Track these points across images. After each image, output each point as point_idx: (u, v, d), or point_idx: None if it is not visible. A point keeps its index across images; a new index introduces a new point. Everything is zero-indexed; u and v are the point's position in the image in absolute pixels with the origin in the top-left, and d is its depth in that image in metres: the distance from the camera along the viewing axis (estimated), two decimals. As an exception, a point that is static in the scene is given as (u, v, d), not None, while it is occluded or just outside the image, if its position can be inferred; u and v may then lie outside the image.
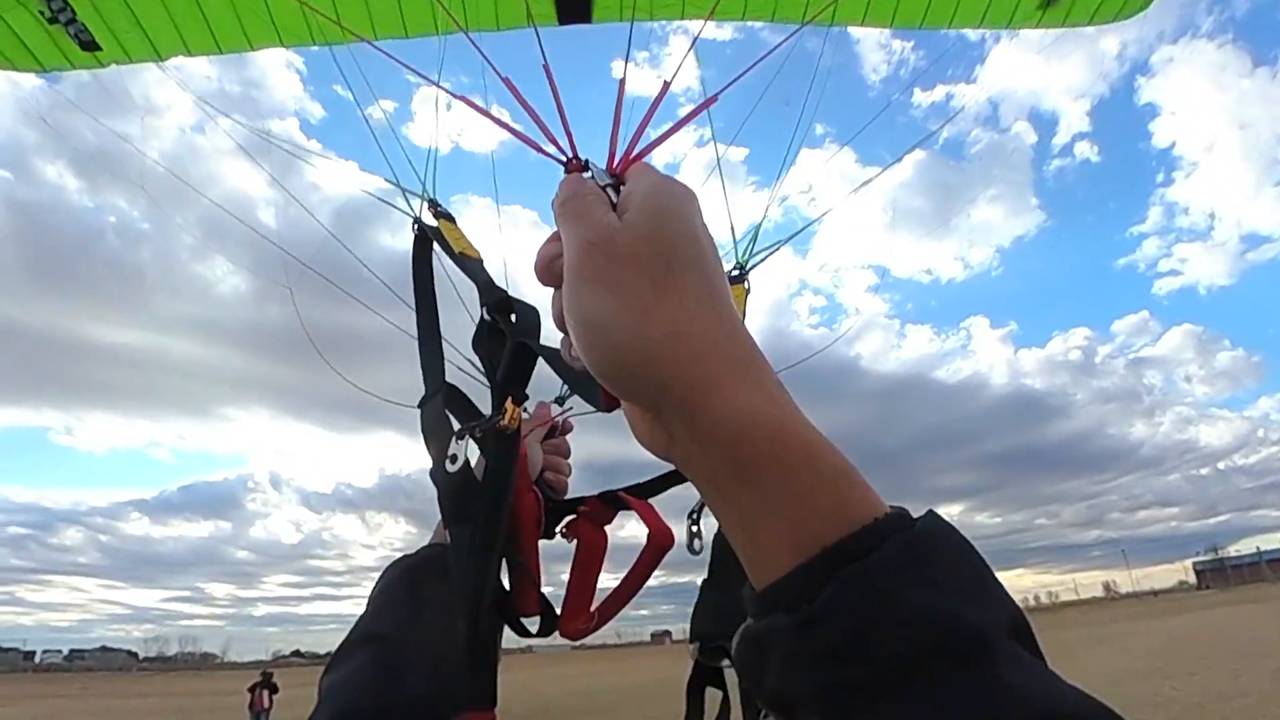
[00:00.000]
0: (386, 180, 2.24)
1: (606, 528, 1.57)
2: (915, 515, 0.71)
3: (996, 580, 0.71)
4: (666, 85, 1.21)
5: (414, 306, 1.91)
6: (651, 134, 1.08)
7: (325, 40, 2.91)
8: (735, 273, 2.22)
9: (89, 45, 2.72)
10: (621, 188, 0.90)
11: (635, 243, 0.79)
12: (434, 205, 2.18)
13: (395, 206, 2.17)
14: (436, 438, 1.55)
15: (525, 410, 1.38)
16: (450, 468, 1.44)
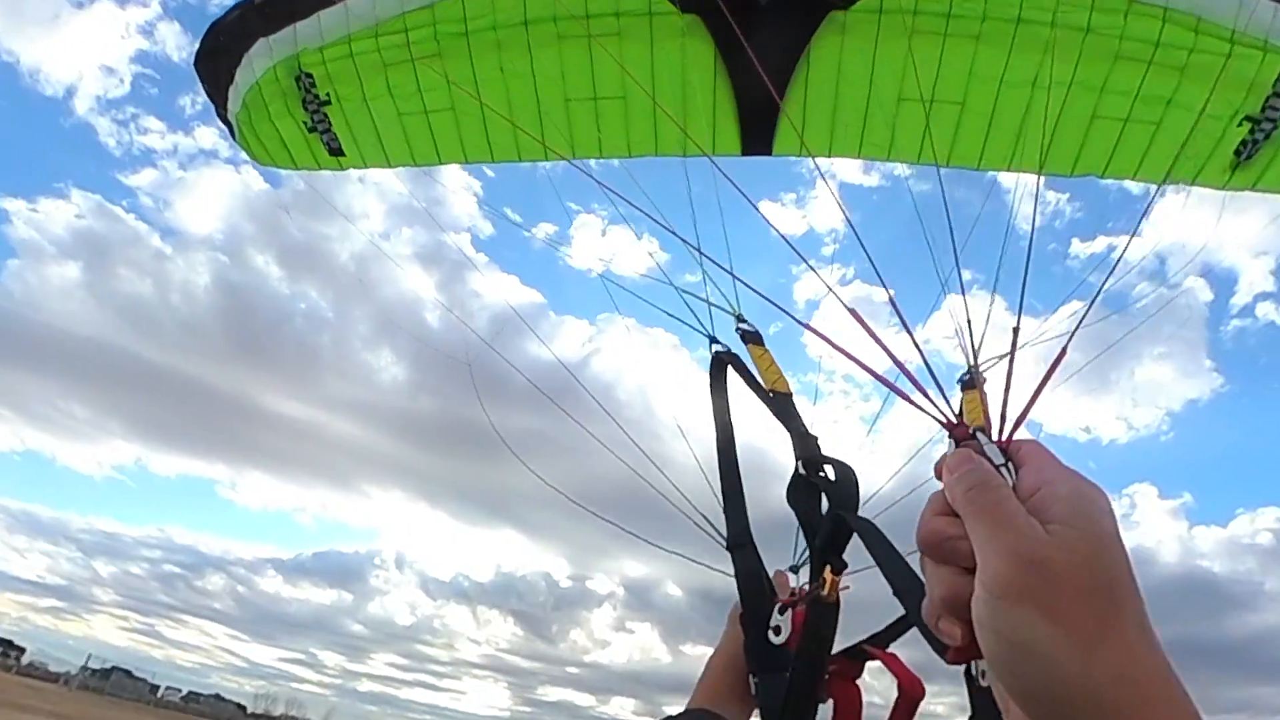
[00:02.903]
0: (682, 301, 2.25)
1: (857, 681, 1.54)
2: None
3: None
4: (1064, 351, 1.15)
5: (716, 441, 1.88)
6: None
7: (531, 157, 3.25)
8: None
9: (336, 152, 3.16)
10: (1011, 468, 0.89)
11: (1076, 568, 0.76)
12: (740, 321, 2.15)
13: (693, 326, 2.17)
14: (753, 583, 1.63)
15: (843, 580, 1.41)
16: (775, 639, 1.53)
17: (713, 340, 2.14)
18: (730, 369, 2.04)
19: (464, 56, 3.10)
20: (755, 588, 1.67)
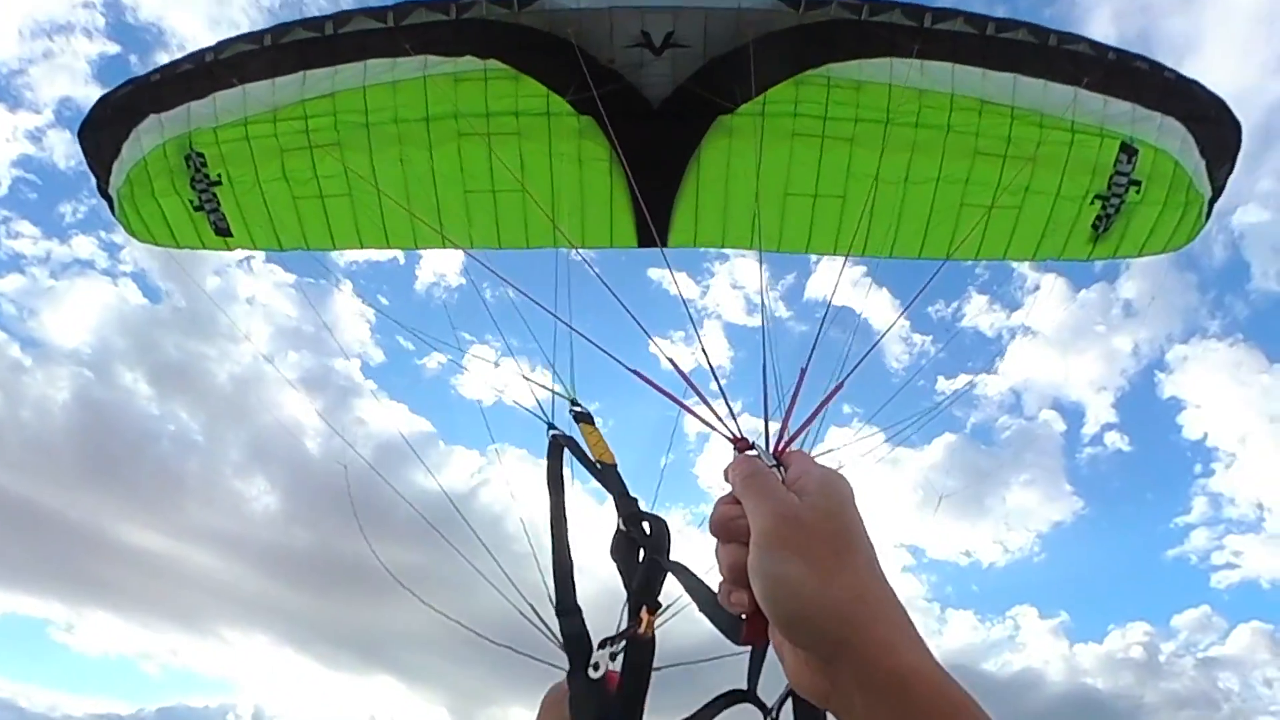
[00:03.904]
0: (523, 390, 2.51)
1: None
2: None
3: None
4: (803, 371, 1.58)
5: (549, 516, 2.06)
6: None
7: (427, 245, 3.24)
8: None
9: (223, 232, 3.09)
10: (782, 469, 1.13)
11: (819, 520, 0.98)
12: (574, 405, 2.39)
13: (531, 412, 2.42)
14: (580, 657, 1.79)
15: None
16: (593, 674, 1.69)
17: (550, 426, 2.32)
18: (566, 450, 2.23)
19: (364, 147, 3.16)
20: (579, 646, 1.82)
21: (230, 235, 3.10)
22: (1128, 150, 2.87)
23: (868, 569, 0.96)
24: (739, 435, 1.31)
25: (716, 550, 1.09)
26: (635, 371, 1.69)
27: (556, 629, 1.97)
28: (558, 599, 1.96)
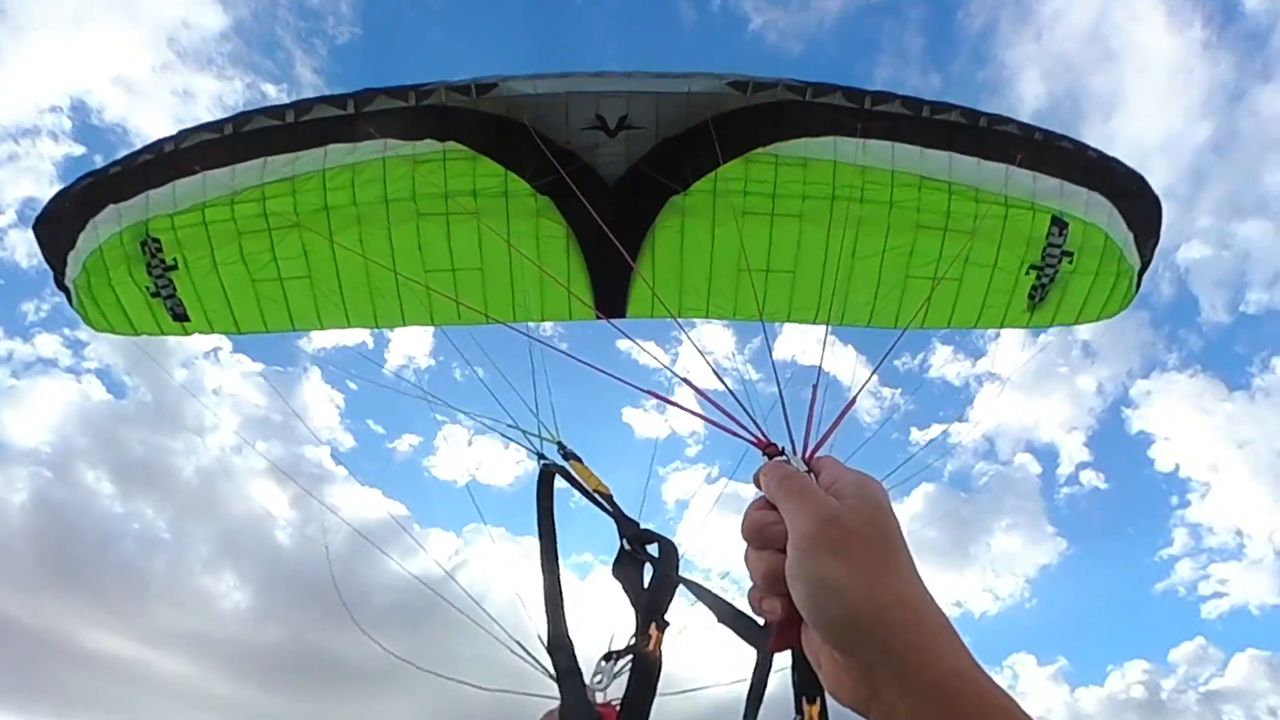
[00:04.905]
0: (510, 428, 2.60)
1: None
2: None
3: None
4: (815, 388, 1.48)
5: (539, 543, 2.07)
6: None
7: (388, 324, 3.27)
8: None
9: (180, 317, 3.09)
10: (815, 475, 1.11)
11: (860, 523, 0.96)
12: (561, 447, 2.45)
13: (522, 444, 2.47)
14: (571, 676, 1.81)
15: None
16: (593, 684, 1.70)
17: (540, 457, 2.38)
18: (559, 478, 2.26)
19: (323, 228, 3.20)
20: (573, 681, 1.81)
21: (188, 320, 3.10)
22: (1059, 223, 3.03)
23: (909, 573, 0.96)
24: (767, 440, 1.28)
25: (747, 557, 1.07)
26: (650, 391, 1.63)
27: (548, 664, 1.96)
28: (550, 633, 1.94)
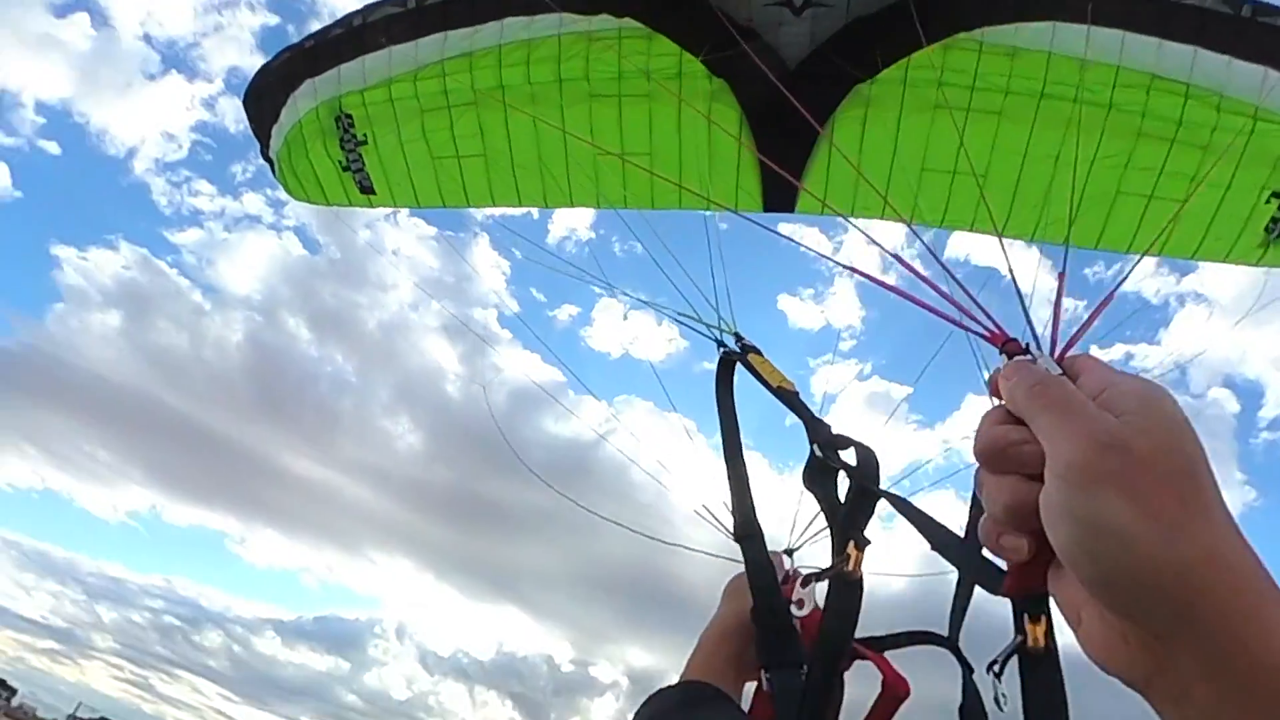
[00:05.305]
0: (684, 315, 2.48)
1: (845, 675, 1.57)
2: None
3: None
4: (1062, 275, 1.21)
5: (720, 433, 2.02)
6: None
7: (557, 204, 3.32)
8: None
9: (367, 190, 3.26)
10: (1073, 379, 0.87)
11: (1155, 452, 0.74)
12: (739, 339, 2.32)
13: (700, 332, 2.38)
14: (765, 576, 1.70)
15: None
16: (798, 612, 1.58)
17: (720, 344, 2.23)
18: (740, 367, 2.13)
19: (498, 108, 3.22)
20: (766, 578, 1.71)
21: (374, 193, 3.27)
22: (1320, 144, 2.58)
23: (1223, 519, 0.74)
24: (1005, 333, 1.02)
25: (980, 481, 0.88)
26: (850, 268, 1.39)
27: (729, 526, 1.89)
28: (737, 521, 1.86)
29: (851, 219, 3.18)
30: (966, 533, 1.18)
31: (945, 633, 1.59)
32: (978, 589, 1.45)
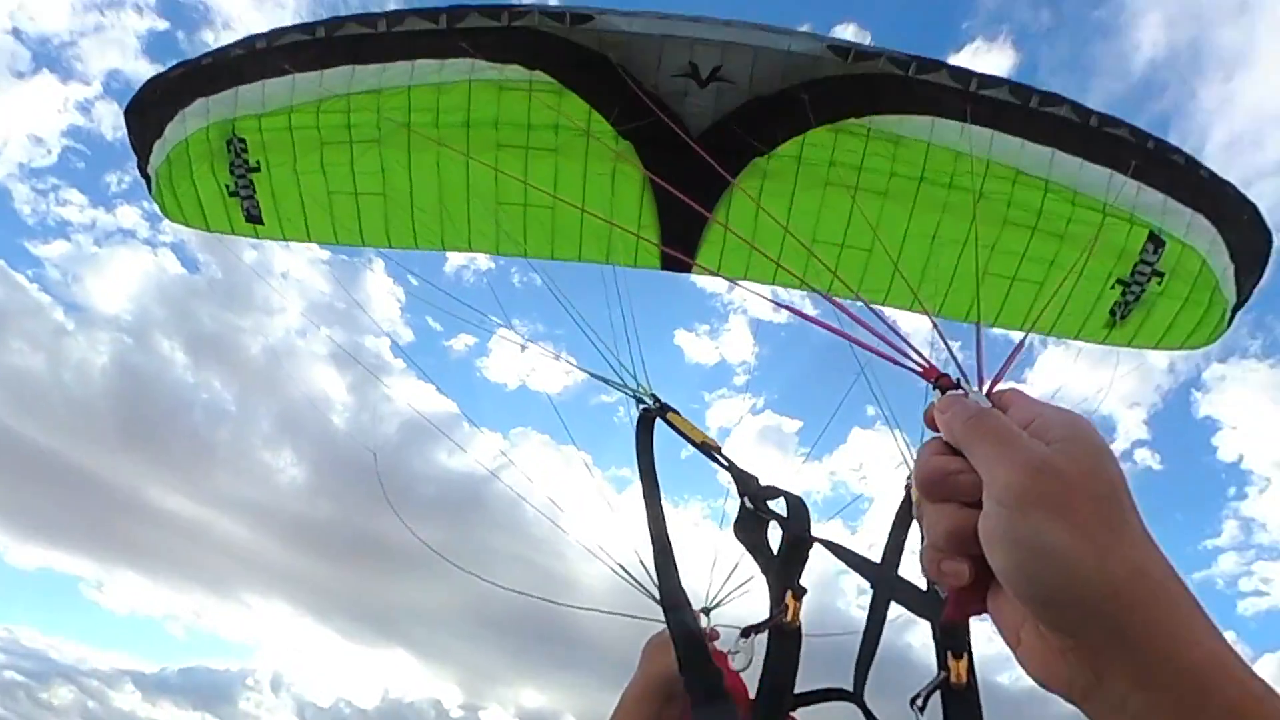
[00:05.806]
0: (603, 377, 2.58)
1: None
2: None
3: None
4: (1021, 343, 1.31)
5: (642, 494, 2.00)
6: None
7: (453, 249, 3.27)
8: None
9: (254, 219, 3.11)
10: (1002, 411, 0.92)
11: (1084, 476, 0.79)
12: (655, 399, 2.39)
13: (621, 390, 2.47)
14: (696, 648, 1.66)
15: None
16: (735, 665, 1.58)
17: (639, 400, 2.27)
18: (660, 424, 2.19)
19: (402, 148, 3.18)
20: (697, 649, 1.68)
21: (261, 223, 3.12)
22: (1155, 240, 2.91)
23: (1145, 537, 0.80)
24: (937, 369, 1.06)
25: (920, 510, 0.91)
26: (787, 307, 1.48)
27: (655, 591, 1.87)
28: (662, 589, 1.83)
29: (743, 283, 3.30)
30: (884, 559, 1.23)
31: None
32: (882, 640, 1.52)
